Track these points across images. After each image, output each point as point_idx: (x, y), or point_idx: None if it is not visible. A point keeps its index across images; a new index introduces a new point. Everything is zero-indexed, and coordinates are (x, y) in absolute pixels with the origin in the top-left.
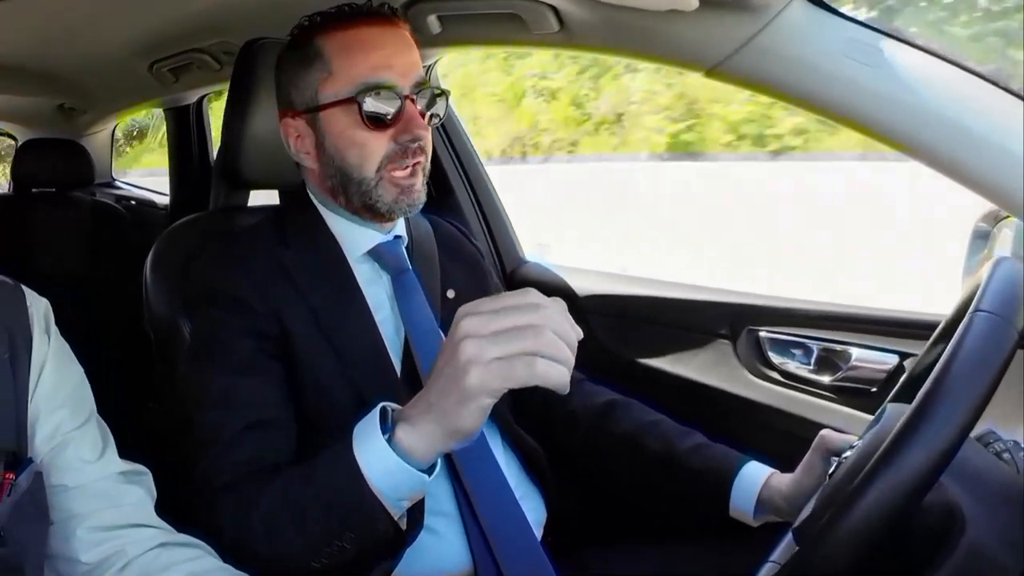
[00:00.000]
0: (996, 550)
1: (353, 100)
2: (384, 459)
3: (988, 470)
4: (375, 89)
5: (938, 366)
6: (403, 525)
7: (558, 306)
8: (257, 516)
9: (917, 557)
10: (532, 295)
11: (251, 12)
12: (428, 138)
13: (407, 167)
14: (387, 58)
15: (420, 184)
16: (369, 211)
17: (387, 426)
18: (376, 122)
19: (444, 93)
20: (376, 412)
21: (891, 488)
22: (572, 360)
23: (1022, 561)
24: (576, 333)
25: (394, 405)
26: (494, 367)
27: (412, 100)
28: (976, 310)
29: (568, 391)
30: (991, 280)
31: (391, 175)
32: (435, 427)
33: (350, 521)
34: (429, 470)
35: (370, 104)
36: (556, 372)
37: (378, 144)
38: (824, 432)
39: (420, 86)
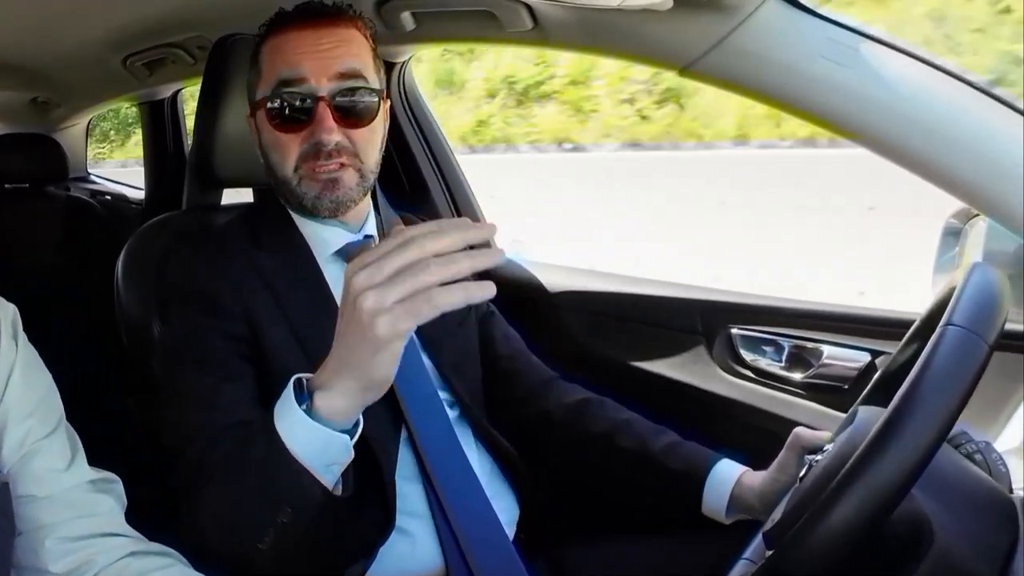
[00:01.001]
0: (966, 559)
1: (267, 101)
2: (304, 427)
3: (957, 476)
4: (287, 86)
5: (909, 379)
6: (339, 492)
7: (428, 229)
8: (203, 503)
9: (885, 568)
10: (406, 232)
11: (224, 7)
12: (358, 138)
13: (328, 164)
14: (301, 56)
15: (351, 181)
16: (301, 207)
17: (303, 396)
18: (286, 124)
19: (376, 92)
20: (291, 385)
21: (862, 500)
22: (466, 270)
23: (992, 569)
24: (452, 242)
25: (307, 375)
26: (398, 310)
27: (325, 101)
28: (948, 323)
29: (478, 301)
30: (965, 288)
31: (310, 171)
32: (351, 383)
33: (283, 493)
34: (352, 433)
35: (278, 106)
36: (456, 295)
37: (292, 144)
38: (798, 430)
39: (345, 85)
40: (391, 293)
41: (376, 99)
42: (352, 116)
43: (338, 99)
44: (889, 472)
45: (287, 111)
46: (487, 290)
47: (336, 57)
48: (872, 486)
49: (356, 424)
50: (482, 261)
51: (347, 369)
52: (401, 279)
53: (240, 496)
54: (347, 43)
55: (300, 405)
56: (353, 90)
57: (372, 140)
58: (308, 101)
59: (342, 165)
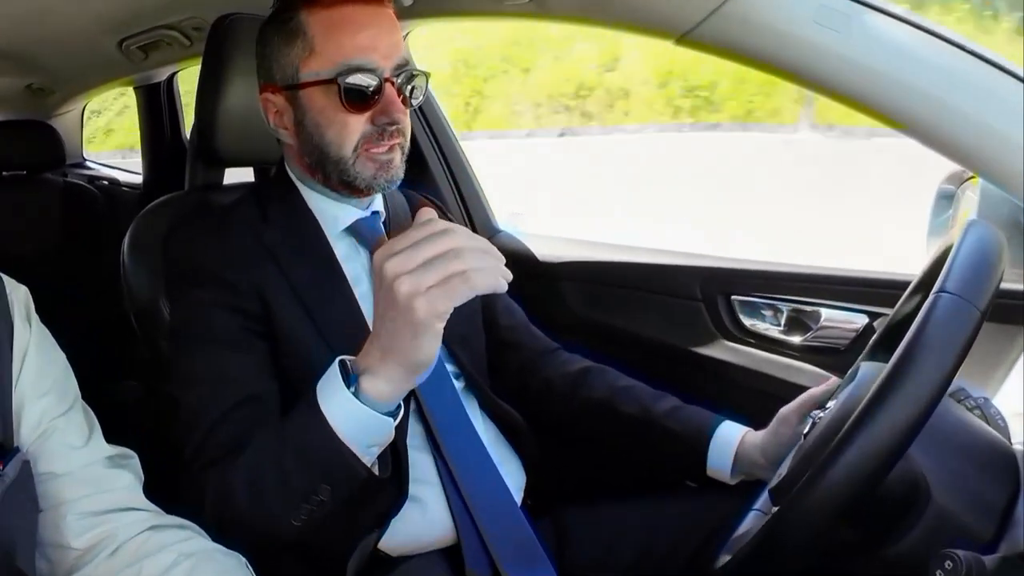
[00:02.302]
0: (963, 516)
1: (334, 81)
2: (350, 409)
3: (957, 430)
4: (356, 71)
5: (902, 345)
6: (376, 472)
7: (462, 227)
8: (238, 481)
9: (883, 528)
10: (438, 223)
11: None
12: (406, 120)
13: (385, 146)
14: (371, 39)
15: (399, 161)
16: (347, 187)
17: (352, 378)
18: (355, 104)
19: (424, 74)
20: (336, 365)
21: (864, 455)
22: (499, 262)
23: (990, 526)
24: (483, 242)
25: (350, 358)
26: (435, 293)
27: (392, 83)
28: (941, 290)
29: (506, 288)
30: (960, 250)
31: (369, 152)
32: (396, 367)
33: (324, 472)
34: (394, 414)
35: (350, 86)
36: (491, 278)
37: (356, 124)
38: (811, 390)
39: (401, 68)
40: (426, 277)
41: (425, 82)
42: (406, 99)
43: (399, 81)
44: (888, 431)
45: (359, 91)
46: (508, 276)
47: (396, 44)
48: (872, 444)
49: (398, 407)
50: (500, 258)
51: (390, 354)
52: (435, 264)
53: (273, 472)
54: (396, 25)
55: (348, 388)
56: (411, 73)
57: (410, 121)
58: (378, 82)
59: (394, 145)
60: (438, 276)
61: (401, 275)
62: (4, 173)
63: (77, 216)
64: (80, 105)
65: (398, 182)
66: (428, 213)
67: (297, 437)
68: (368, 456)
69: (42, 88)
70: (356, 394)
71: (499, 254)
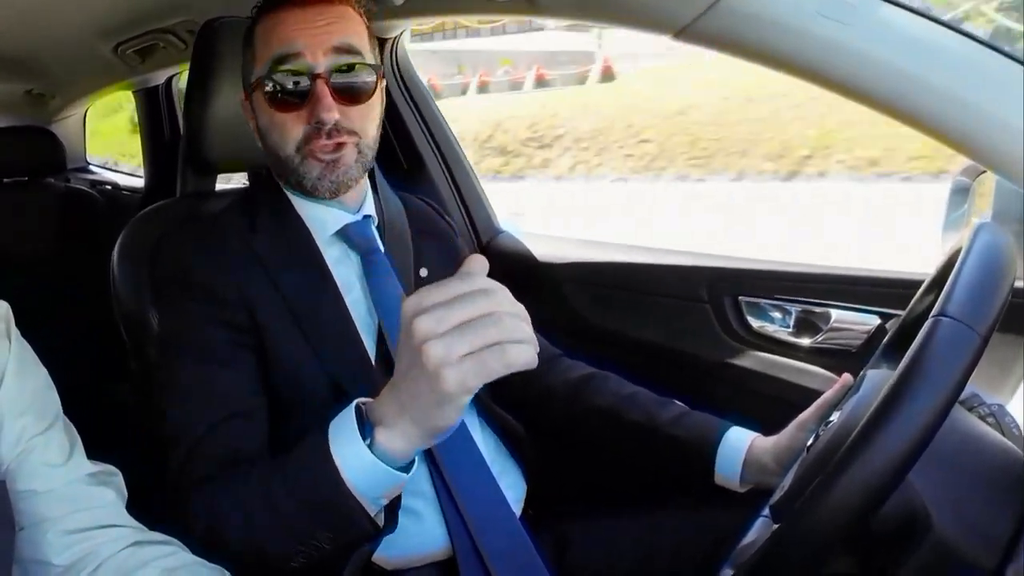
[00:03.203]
0: (965, 546)
1: (264, 81)
2: (363, 461)
3: (962, 453)
4: (282, 63)
5: (897, 372)
6: (380, 522)
7: (503, 287)
8: (233, 511)
9: (882, 558)
10: (478, 280)
11: None
12: (357, 115)
13: (329, 144)
14: (295, 33)
15: (349, 159)
16: (301, 188)
17: (367, 427)
18: (282, 103)
19: (372, 67)
20: (352, 410)
21: (864, 478)
22: (533, 336)
23: (993, 555)
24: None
25: (367, 400)
26: (467, 365)
27: (323, 79)
28: (941, 314)
29: (537, 364)
30: (964, 265)
31: (312, 151)
32: (413, 428)
33: (328, 521)
34: (407, 467)
35: (275, 86)
36: (526, 354)
37: (293, 124)
38: (828, 392)
39: (342, 62)
40: (459, 345)
41: (373, 75)
42: (350, 93)
43: (335, 76)
44: (881, 462)
45: (285, 90)
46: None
47: (331, 32)
48: (865, 475)
49: (412, 462)
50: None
51: (409, 414)
52: (470, 330)
53: (274, 515)
54: (342, 19)
55: (364, 439)
56: (350, 66)
57: (370, 117)
58: (305, 80)
59: (340, 144)
60: (472, 346)
61: (431, 339)
62: (5, 179)
63: (78, 221)
64: (81, 110)
65: (351, 182)
66: (478, 263)
67: (304, 482)
68: (375, 507)
69: (42, 94)
70: (370, 446)
71: (528, 321)
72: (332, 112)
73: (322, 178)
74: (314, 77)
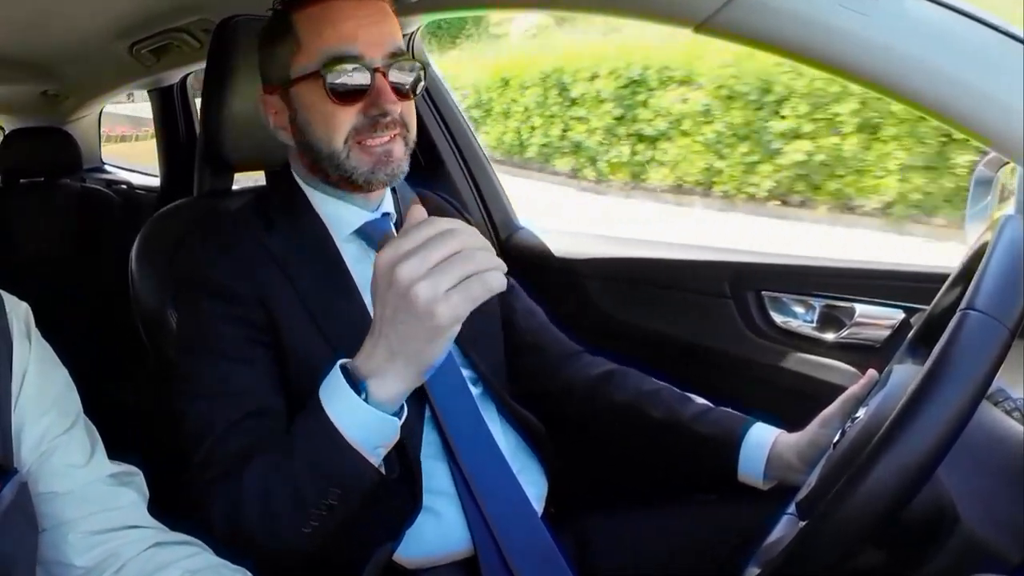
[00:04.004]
0: (992, 539)
1: (319, 74)
2: (357, 412)
3: (988, 447)
4: (341, 62)
5: (926, 367)
6: (383, 471)
7: (465, 225)
8: (246, 491)
9: (909, 552)
10: (439, 223)
11: None
12: (406, 111)
13: (381, 138)
14: (354, 30)
15: (400, 154)
16: (347, 184)
17: (362, 384)
18: (343, 96)
19: (421, 65)
20: (338, 370)
21: (890, 476)
22: (502, 263)
23: (1020, 548)
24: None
25: (351, 361)
26: (454, 297)
27: (383, 73)
28: (970, 307)
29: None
30: (991, 260)
31: (363, 144)
32: (406, 369)
33: (334, 476)
34: (399, 413)
35: (335, 78)
36: (500, 279)
37: (345, 117)
38: (851, 388)
39: (395, 57)
40: (444, 281)
41: (420, 70)
42: (403, 89)
43: (391, 71)
44: (909, 458)
45: (344, 82)
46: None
47: (383, 27)
48: (893, 471)
49: (402, 407)
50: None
51: (401, 356)
52: (449, 267)
53: (283, 481)
54: (387, 14)
55: (360, 394)
56: (405, 62)
57: (413, 112)
58: (367, 73)
59: (394, 137)
60: (455, 279)
61: (417, 280)
62: (22, 180)
63: (94, 221)
64: (96, 110)
65: (400, 176)
66: (419, 211)
67: (304, 444)
68: (375, 457)
69: (57, 94)
70: (366, 399)
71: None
72: (397, 105)
73: (375, 171)
74: (374, 71)
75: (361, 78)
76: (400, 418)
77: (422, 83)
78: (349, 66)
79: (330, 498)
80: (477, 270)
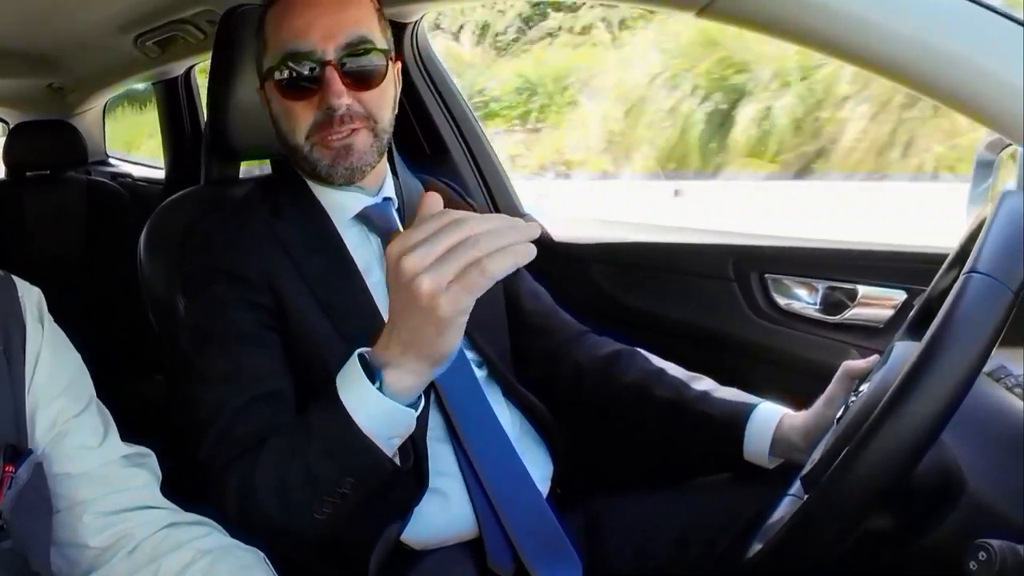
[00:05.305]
0: (998, 505)
1: (275, 71)
2: (374, 402)
3: (991, 418)
4: (292, 58)
5: (932, 328)
6: (397, 461)
7: (473, 214)
8: (261, 476)
9: (916, 518)
10: (450, 214)
11: None
12: (369, 100)
13: (340, 132)
14: (305, 24)
15: (364, 145)
16: (316, 176)
17: (378, 373)
18: (294, 92)
19: (383, 52)
20: (355, 359)
21: (893, 444)
22: (520, 235)
23: None
24: (498, 225)
25: (368, 350)
26: (455, 289)
27: (333, 66)
28: (972, 271)
29: (532, 257)
30: (992, 227)
31: (323, 140)
32: (419, 363)
33: (348, 466)
34: (415, 404)
35: (285, 75)
36: (506, 260)
37: (303, 112)
38: (846, 362)
39: (351, 47)
40: (445, 273)
41: (384, 60)
42: (361, 78)
43: (346, 62)
44: (917, 420)
45: (295, 79)
46: (530, 251)
47: (341, 23)
48: (900, 433)
49: (419, 397)
50: (526, 232)
51: (413, 349)
52: (452, 257)
53: (297, 470)
54: (350, 4)
55: (373, 383)
56: (360, 52)
57: (383, 101)
58: (316, 68)
59: (354, 130)
60: (456, 269)
61: (420, 273)
62: (28, 173)
63: (102, 213)
64: (101, 102)
65: (367, 167)
66: (434, 200)
67: (319, 432)
68: (389, 447)
69: (62, 87)
70: (381, 389)
71: (518, 225)
72: (343, 98)
73: (335, 165)
74: (324, 64)
75: (310, 73)
76: (416, 409)
77: (389, 69)
78: (298, 62)
79: (343, 486)
80: (478, 256)
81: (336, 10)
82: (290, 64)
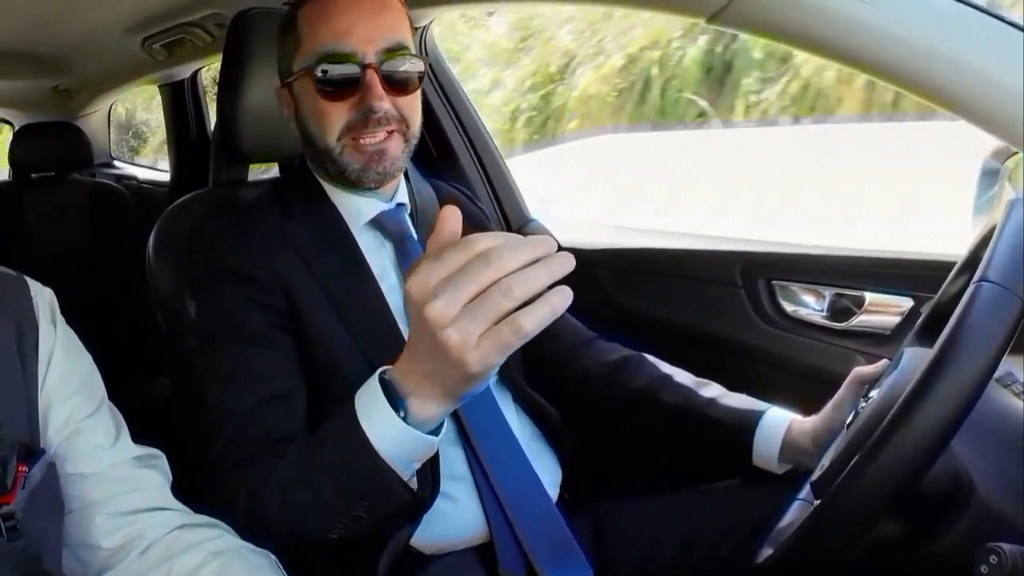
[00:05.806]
0: (1008, 509)
1: (313, 70)
2: (396, 430)
3: (1000, 424)
4: (332, 59)
5: (942, 336)
6: (414, 486)
7: (498, 241)
8: (272, 490)
9: (926, 523)
10: (474, 244)
11: None
12: (404, 105)
13: (375, 135)
14: (347, 25)
15: (396, 151)
16: (343, 179)
17: (401, 403)
18: (333, 92)
19: (422, 59)
20: (375, 381)
21: (904, 451)
22: (544, 285)
23: None
24: (525, 258)
25: (389, 369)
26: (485, 345)
27: (374, 69)
28: (983, 279)
29: (569, 303)
30: (1001, 236)
31: (356, 142)
32: (444, 397)
33: (364, 491)
34: (436, 430)
35: (325, 74)
36: (542, 314)
37: (338, 114)
38: (856, 368)
39: (391, 52)
40: (474, 327)
41: (420, 65)
42: (399, 84)
43: (385, 66)
44: (927, 427)
45: (334, 79)
46: (566, 296)
47: (382, 23)
48: (911, 440)
49: (441, 424)
50: (558, 269)
51: (440, 386)
52: (482, 309)
53: (309, 495)
54: (389, 9)
55: (398, 412)
56: (400, 58)
57: (416, 107)
58: (357, 69)
59: (390, 133)
60: (486, 323)
61: (447, 326)
62: (33, 175)
63: (106, 215)
64: (106, 105)
65: (396, 173)
66: (452, 214)
67: (335, 458)
68: (408, 471)
69: (68, 89)
70: (404, 417)
71: (550, 262)
72: (384, 101)
73: (367, 169)
74: (365, 67)
75: (350, 74)
76: (438, 435)
77: (418, 78)
78: (339, 63)
79: (359, 510)
80: (510, 307)
81: (376, 12)
82: (330, 64)
